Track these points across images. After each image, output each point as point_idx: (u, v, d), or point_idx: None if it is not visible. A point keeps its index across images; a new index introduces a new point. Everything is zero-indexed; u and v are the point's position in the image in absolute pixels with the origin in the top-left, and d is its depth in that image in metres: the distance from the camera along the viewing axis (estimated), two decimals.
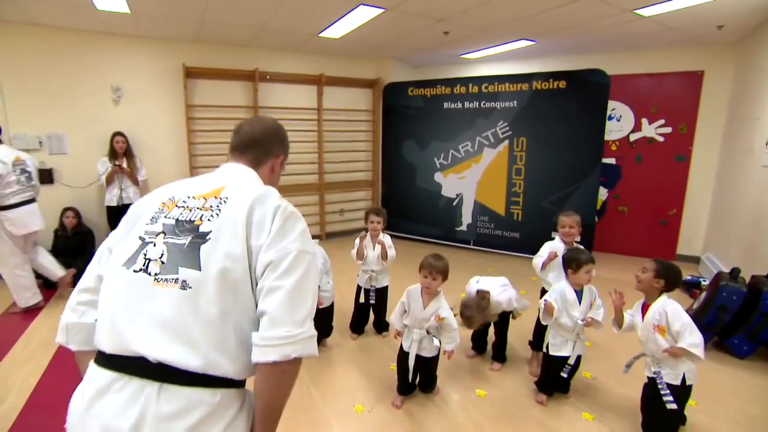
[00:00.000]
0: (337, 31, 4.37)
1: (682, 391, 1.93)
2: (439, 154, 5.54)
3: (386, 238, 2.95)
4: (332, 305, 2.94)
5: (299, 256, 0.90)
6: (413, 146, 5.74)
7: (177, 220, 0.94)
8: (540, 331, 2.72)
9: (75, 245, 4.25)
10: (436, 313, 2.24)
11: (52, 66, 4.23)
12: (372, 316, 3.17)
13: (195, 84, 4.91)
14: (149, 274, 0.88)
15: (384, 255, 2.89)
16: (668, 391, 1.90)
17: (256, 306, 0.89)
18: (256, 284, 0.89)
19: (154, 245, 0.91)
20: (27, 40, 4.09)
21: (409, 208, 5.85)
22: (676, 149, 5.00)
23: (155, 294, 0.86)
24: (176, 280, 0.86)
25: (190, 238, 0.90)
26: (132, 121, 4.61)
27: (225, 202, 0.95)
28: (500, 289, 2.59)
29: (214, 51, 4.95)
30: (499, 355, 2.75)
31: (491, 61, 5.78)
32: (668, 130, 5.01)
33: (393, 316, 2.41)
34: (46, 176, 4.34)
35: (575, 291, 2.31)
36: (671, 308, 1.94)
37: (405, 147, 5.82)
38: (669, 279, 2.00)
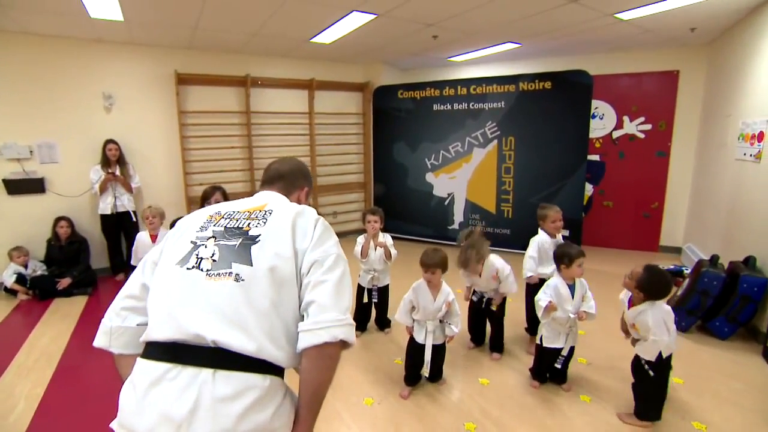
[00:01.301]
0: (328, 36, 4.46)
1: (659, 365, 2.09)
2: (430, 155, 5.67)
3: (387, 238, 3.05)
4: None
5: (339, 259, 1.03)
6: (404, 148, 5.86)
7: (226, 227, 1.04)
8: (533, 317, 2.83)
9: (70, 254, 4.23)
10: (446, 300, 2.37)
11: (43, 74, 4.20)
12: (374, 314, 3.26)
13: (187, 90, 4.93)
14: (201, 270, 0.96)
15: (387, 255, 2.98)
16: (646, 367, 2.12)
17: (300, 303, 0.98)
18: (301, 283, 0.99)
19: (206, 247, 1.00)
20: (16, 49, 4.06)
21: (401, 208, 5.96)
22: (656, 145, 5.23)
23: (209, 286, 0.94)
24: (230, 274, 0.94)
25: (240, 240, 1.00)
26: (124, 128, 4.60)
27: (270, 213, 1.07)
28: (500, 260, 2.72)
29: (206, 57, 4.98)
30: (497, 345, 2.87)
31: (478, 63, 5.94)
32: (648, 127, 5.23)
33: (399, 315, 2.50)
34: (38, 186, 4.31)
35: (568, 285, 2.40)
36: (645, 319, 2.07)
37: (396, 149, 5.93)
38: (649, 293, 2.07)
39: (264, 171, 1.32)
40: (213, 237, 1.02)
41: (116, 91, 4.57)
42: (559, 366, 2.43)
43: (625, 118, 5.32)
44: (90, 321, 3.55)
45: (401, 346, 2.95)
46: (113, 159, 4.36)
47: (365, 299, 3.11)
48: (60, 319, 3.56)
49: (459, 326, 2.45)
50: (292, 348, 0.96)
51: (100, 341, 1.04)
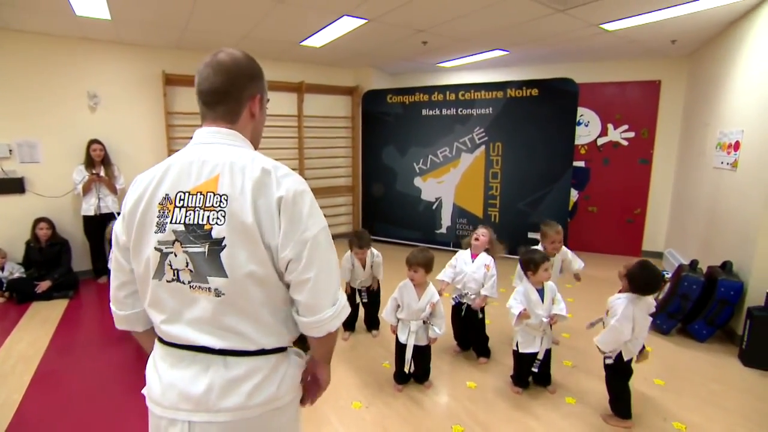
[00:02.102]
0: (319, 40, 4.47)
1: (619, 367, 2.20)
2: (419, 160, 5.71)
3: (378, 258, 3.11)
4: None
5: (314, 243, 0.91)
6: (393, 152, 5.89)
7: (185, 224, 0.90)
8: None
9: (50, 257, 4.13)
10: (430, 300, 2.40)
11: (24, 71, 4.11)
12: (362, 314, 3.26)
13: (175, 91, 4.88)
14: (183, 283, 0.92)
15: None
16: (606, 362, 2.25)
17: (288, 288, 0.95)
18: (282, 274, 0.93)
19: (176, 255, 0.91)
20: None
21: (389, 212, 5.98)
22: (639, 152, 5.36)
23: (195, 299, 0.92)
24: (209, 289, 0.90)
25: (207, 245, 0.89)
26: (109, 128, 4.53)
27: (226, 201, 0.88)
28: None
29: (195, 58, 4.91)
30: (483, 350, 2.89)
31: (467, 69, 6.02)
32: (632, 134, 5.37)
33: (385, 313, 2.54)
34: (17, 186, 4.20)
35: (537, 290, 2.42)
36: (617, 305, 2.17)
37: (385, 153, 5.95)
38: (634, 284, 2.16)
39: (197, 84, 0.99)
40: (177, 241, 0.91)
41: (101, 90, 4.49)
42: (536, 370, 2.45)
43: (609, 126, 5.45)
44: (71, 325, 3.47)
45: (389, 349, 2.95)
46: (98, 159, 4.29)
47: (356, 300, 3.13)
48: (39, 323, 3.47)
49: (443, 329, 2.48)
50: (292, 324, 0.99)
51: (121, 325, 1.08)
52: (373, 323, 3.25)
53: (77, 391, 2.52)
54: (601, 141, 5.51)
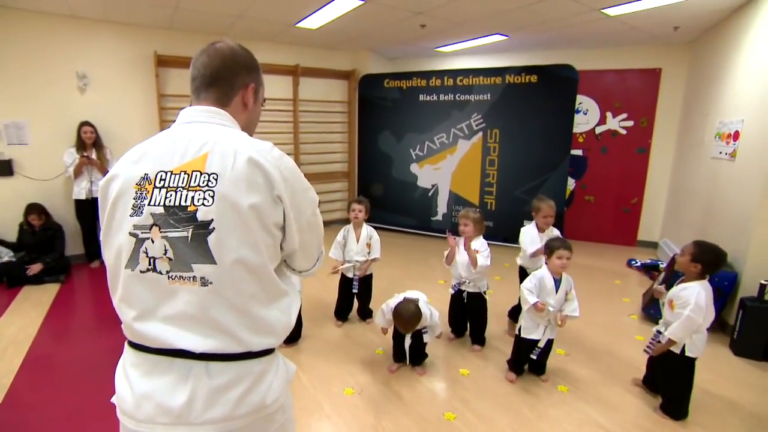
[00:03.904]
0: (314, 21, 4.36)
1: (680, 359, 2.10)
2: (415, 146, 5.65)
3: (373, 235, 3.04)
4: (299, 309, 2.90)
5: (311, 223, 0.97)
6: (389, 137, 5.82)
7: (165, 206, 0.82)
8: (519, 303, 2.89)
9: (43, 241, 4.07)
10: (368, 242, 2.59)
11: (9, 49, 3.99)
12: (356, 304, 3.25)
13: (167, 73, 4.77)
14: (160, 273, 0.82)
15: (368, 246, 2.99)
16: (651, 343, 2.19)
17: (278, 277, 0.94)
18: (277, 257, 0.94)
19: (153, 241, 0.82)
20: None
21: (385, 198, 5.94)
22: (637, 142, 5.32)
23: (174, 292, 0.83)
24: (194, 278, 0.82)
25: (191, 229, 0.81)
26: (100, 110, 4.43)
27: (216, 180, 0.82)
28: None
29: (188, 39, 4.81)
30: (478, 338, 2.90)
31: (466, 54, 5.91)
32: (630, 123, 5.32)
33: (377, 319, 2.63)
34: (5, 168, 4.13)
35: (554, 279, 2.41)
36: (688, 295, 2.04)
37: (381, 138, 5.89)
38: (705, 263, 2.06)
39: (191, 68, 0.97)
40: (155, 225, 0.82)
41: (91, 71, 4.38)
42: (535, 357, 2.45)
43: (608, 114, 5.39)
44: (62, 309, 3.44)
45: (383, 336, 2.95)
46: (89, 142, 4.20)
47: (355, 290, 3.10)
48: (30, 307, 3.44)
49: (437, 333, 2.56)
50: (282, 325, 0.92)
51: None
52: (366, 313, 3.24)
53: (68, 375, 2.51)
54: (599, 129, 5.46)
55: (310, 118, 5.86)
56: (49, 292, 3.77)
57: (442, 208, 5.62)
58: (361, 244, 2.99)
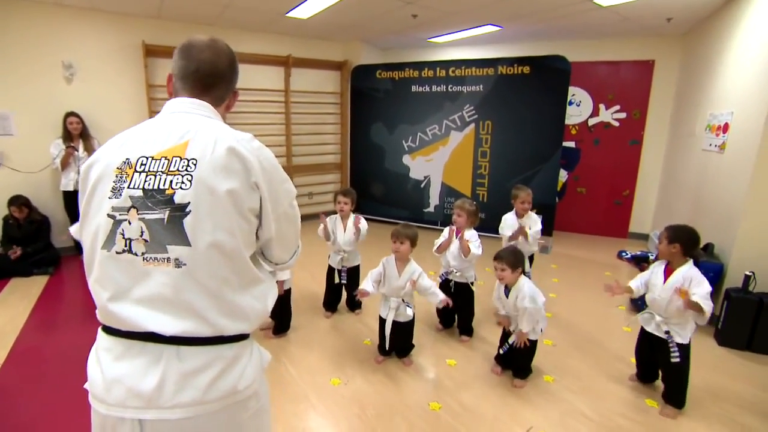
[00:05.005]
0: (305, 11, 4.30)
1: (688, 348, 2.12)
2: (407, 137, 5.62)
3: (362, 223, 3.02)
4: (290, 294, 2.85)
5: (288, 215, 0.99)
6: (381, 129, 5.79)
7: (144, 189, 0.84)
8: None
9: (29, 233, 4.04)
10: (411, 278, 2.39)
11: None
12: (345, 295, 3.25)
13: (156, 63, 4.71)
14: (135, 255, 0.83)
15: (358, 231, 2.96)
16: (676, 349, 2.09)
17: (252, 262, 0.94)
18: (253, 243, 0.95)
19: (129, 223, 0.84)
20: None
21: (377, 190, 5.93)
22: (630, 134, 5.32)
23: (148, 274, 0.83)
24: (168, 260, 0.82)
25: (167, 211, 0.83)
26: (87, 100, 4.37)
27: (194, 165, 0.84)
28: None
29: (176, 29, 4.74)
30: (466, 328, 2.91)
31: (458, 45, 5.87)
32: (623, 115, 5.31)
33: (365, 281, 2.51)
34: None
35: (505, 288, 2.36)
36: (696, 275, 2.04)
37: (373, 130, 5.85)
38: (683, 241, 2.06)
39: (184, 57, 0.96)
40: (133, 207, 0.84)
41: (77, 60, 4.31)
42: (501, 351, 2.43)
43: (601, 106, 5.38)
44: (51, 301, 3.43)
45: (371, 327, 2.97)
46: (75, 133, 4.15)
47: (336, 279, 3.09)
48: (18, 299, 3.42)
49: (438, 298, 2.44)
50: (256, 311, 0.93)
51: None
52: (354, 304, 3.24)
53: (55, 367, 2.50)
54: (592, 121, 5.45)
55: (302, 109, 5.81)
56: (37, 284, 3.75)
57: (434, 199, 5.61)
58: (348, 233, 2.98)
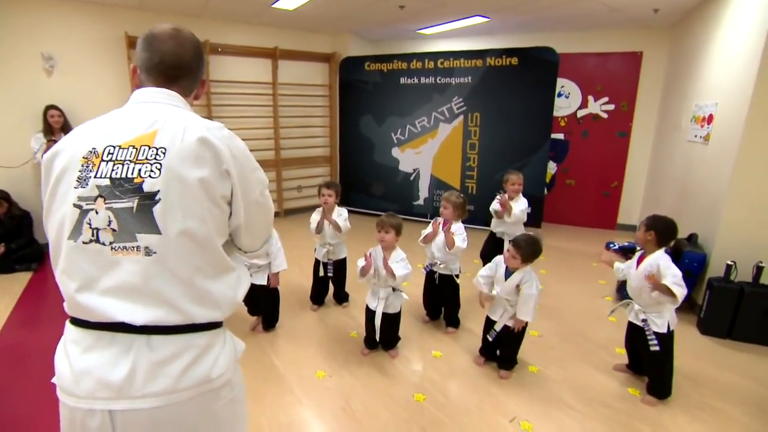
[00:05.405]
0: (291, 2, 4.24)
1: (668, 338, 2.13)
2: (396, 130, 5.59)
3: (343, 213, 3.00)
4: (277, 294, 2.82)
5: (259, 203, 0.98)
6: (370, 121, 5.76)
7: (111, 178, 0.83)
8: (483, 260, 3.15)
9: (10, 229, 3.96)
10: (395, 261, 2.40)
11: None
12: (332, 288, 3.24)
13: None
14: (103, 244, 0.82)
15: (337, 227, 2.94)
16: (654, 338, 2.11)
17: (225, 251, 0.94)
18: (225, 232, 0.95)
19: (97, 212, 0.83)
20: None
21: (367, 183, 5.91)
22: (618, 125, 5.33)
23: (117, 263, 0.82)
24: (137, 248, 0.82)
25: (136, 200, 0.82)
26: (68, 93, 4.27)
27: (164, 154, 0.84)
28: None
29: (160, 20, 4.63)
30: (452, 320, 2.91)
31: (447, 37, 5.83)
32: (612, 107, 5.32)
33: (359, 261, 2.46)
34: None
35: (506, 268, 2.35)
36: (664, 261, 2.07)
37: (362, 122, 5.82)
38: (658, 230, 2.11)
39: (147, 49, 0.94)
40: (100, 196, 0.83)
41: (58, 52, 4.22)
42: (490, 339, 2.43)
43: (590, 98, 5.38)
44: (33, 298, 3.37)
45: (358, 320, 2.96)
46: (56, 126, 4.07)
47: (321, 273, 3.08)
48: None
49: (406, 271, 2.39)
50: (228, 299, 0.93)
51: None
52: (341, 298, 3.23)
53: (38, 364, 2.46)
54: (581, 113, 5.45)
55: (290, 102, 5.75)
56: (20, 280, 3.69)
57: (423, 192, 5.60)
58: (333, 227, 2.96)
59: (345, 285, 3.21)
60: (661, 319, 2.13)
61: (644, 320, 2.16)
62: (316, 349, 2.66)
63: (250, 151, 0.97)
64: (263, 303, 2.76)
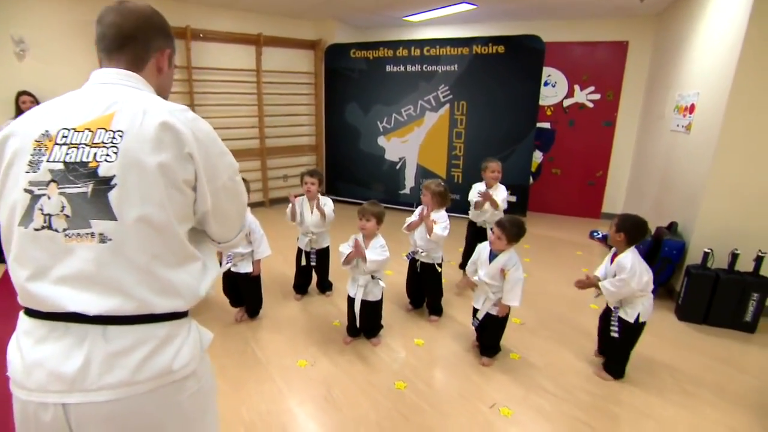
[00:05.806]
0: None
1: (635, 327, 2.20)
2: (382, 118, 5.55)
3: (328, 203, 2.96)
4: (259, 281, 2.79)
5: (224, 183, 0.93)
6: (356, 110, 5.70)
7: (65, 162, 0.80)
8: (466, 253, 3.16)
9: None
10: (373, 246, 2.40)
11: None
12: (315, 277, 3.22)
13: None
14: (56, 231, 0.79)
15: (322, 214, 2.91)
16: (617, 324, 2.21)
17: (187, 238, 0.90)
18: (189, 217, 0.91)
19: (49, 198, 0.79)
20: None
21: (353, 171, 5.86)
22: (603, 115, 5.36)
23: (71, 251, 0.79)
24: (92, 235, 0.79)
25: (91, 185, 0.79)
26: (42, 79, 4.13)
27: (121, 137, 0.80)
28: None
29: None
30: (435, 308, 2.92)
31: (433, 24, 5.77)
32: (597, 96, 5.34)
33: (342, 246, 2.43)
34: None
35: (491, 251, 2.35)
36: (624, 261, 2.14)
37: (348, 110, 5.75)
38: (627, 230, 2.16)
39: (96, 24, 0.93)
40: (53, 181, 0.79)
41: (29, 35, 4.06)
42: (473, 326, 2.46)
43: (576, 87, 5.39)
44: (6, 291, 3.29)
45: (341, 309, 2.96)
46: None
47: (304, 262, 3.05)
48: None
49: (378, 256, 2.36)
50: (190, 289, 0.89)
51: None
52: (325, 286, 3.21)
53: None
54: (567, 102, 5.46)
55: (274, 89, 5.65)
56: None
57: (409, 181, 5.59)
58: (315, 215, 2.92)
59: (329, 274, 3.19)
60: (633, 309, 2.19)
61: (616, 307, 2.24)
62: (299, 338, 2.65)
63: (235, 140, 0.93)
64: (247, 291, 2.73)
